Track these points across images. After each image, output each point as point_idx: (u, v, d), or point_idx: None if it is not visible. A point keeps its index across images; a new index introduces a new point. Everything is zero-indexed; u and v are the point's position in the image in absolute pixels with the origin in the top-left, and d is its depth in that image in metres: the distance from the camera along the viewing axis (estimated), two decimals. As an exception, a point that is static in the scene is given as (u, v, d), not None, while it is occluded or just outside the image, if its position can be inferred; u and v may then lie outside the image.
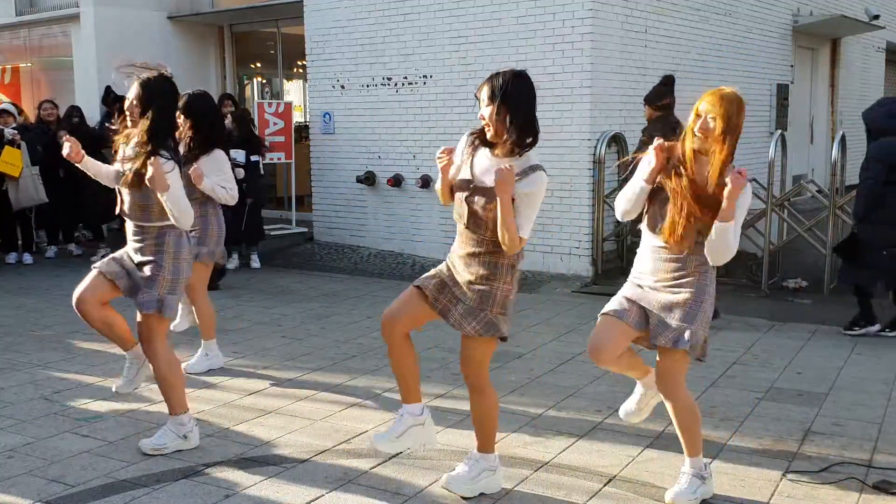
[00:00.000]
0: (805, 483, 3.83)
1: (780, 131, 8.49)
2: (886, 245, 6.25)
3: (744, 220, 3.55)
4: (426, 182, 9.69)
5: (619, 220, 4.02)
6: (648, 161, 3.55)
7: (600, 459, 4.10)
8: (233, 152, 9.18)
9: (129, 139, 4.28)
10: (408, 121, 9.94)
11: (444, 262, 3.72)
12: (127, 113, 4.25)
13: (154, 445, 4.18)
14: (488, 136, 3.50)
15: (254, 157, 9.34)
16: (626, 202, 3.66)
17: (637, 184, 3.60)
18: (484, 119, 3.48)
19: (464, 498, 3.68)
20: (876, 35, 15.85)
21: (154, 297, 4.18)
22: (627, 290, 3.71)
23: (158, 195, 4.09)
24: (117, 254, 4.39)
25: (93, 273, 4.39)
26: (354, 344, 6.28)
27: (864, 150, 6.54)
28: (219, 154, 5.51)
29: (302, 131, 12.62)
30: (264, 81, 14.55)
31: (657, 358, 3.63)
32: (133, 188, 4.17)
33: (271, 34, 13.30)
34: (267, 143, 9.97)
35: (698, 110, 3.46)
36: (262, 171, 9.58)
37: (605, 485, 3.83)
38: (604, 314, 3.67)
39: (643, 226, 3.67)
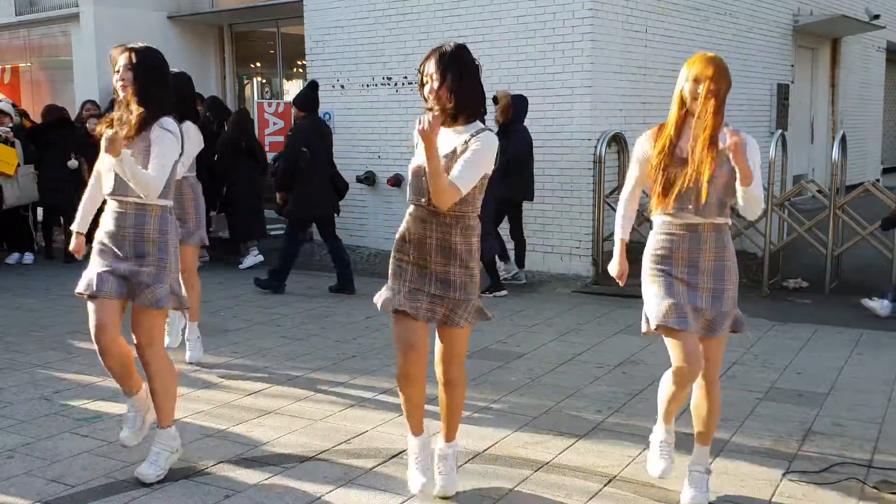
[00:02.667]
0: (805, 483, 3.83)
1: (780, 131, 8.50)
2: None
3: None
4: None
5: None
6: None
7: (600, 459, 4.09)
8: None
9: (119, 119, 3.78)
10: (408, 121, 9.91)
11: (402, 266, 3.50)
12: (119, 81, 3.77)
13: (157, 474, 3.80)
14: (429, 104, 3.41)
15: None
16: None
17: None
18: (431, 94, 3.38)
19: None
20: (876, 35, 15.85)
21: (166, 290, 3.79)
22: (674, 290, 3.61)
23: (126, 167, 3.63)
24: (102, 265, 3.80)
25: (94, 303, 3.78)
26: (354, 344, 6.28)
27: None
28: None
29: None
30: (264, 81, 14.54)
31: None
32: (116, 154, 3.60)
33: (271, 34, 13.30)
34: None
35: (696, 76, 3.39)
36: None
37: (605, 485, 3.82)
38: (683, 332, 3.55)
39: (663, 212, 3.53)
